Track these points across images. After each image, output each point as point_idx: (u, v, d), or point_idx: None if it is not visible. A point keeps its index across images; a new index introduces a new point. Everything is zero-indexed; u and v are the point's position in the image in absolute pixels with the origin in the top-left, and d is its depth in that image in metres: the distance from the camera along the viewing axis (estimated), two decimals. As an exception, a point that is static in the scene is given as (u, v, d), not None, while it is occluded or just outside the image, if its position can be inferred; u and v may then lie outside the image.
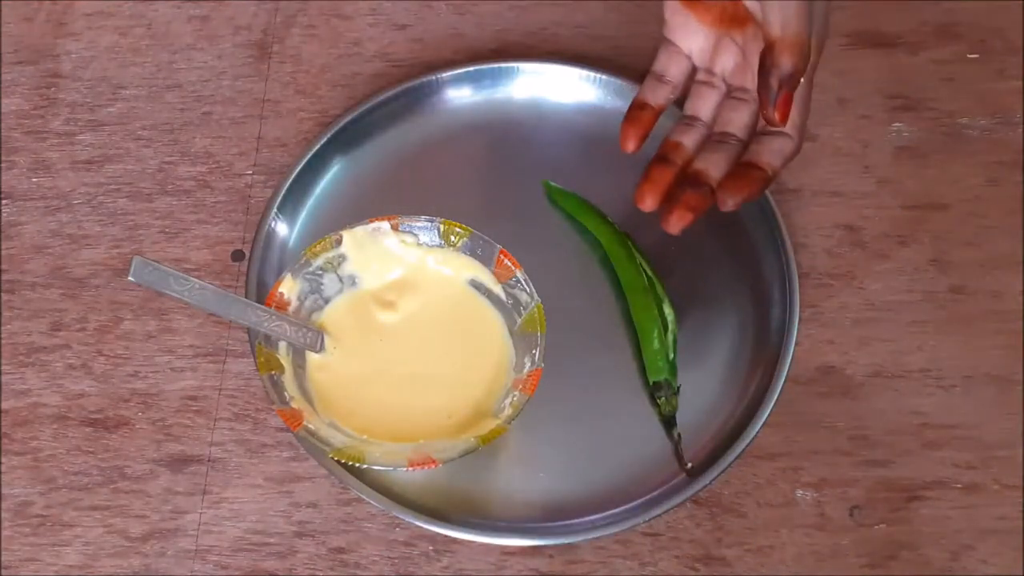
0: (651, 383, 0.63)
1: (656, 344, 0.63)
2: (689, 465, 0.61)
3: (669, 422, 0.63)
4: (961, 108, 0.73)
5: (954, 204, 0.70)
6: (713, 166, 0.58)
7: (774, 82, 0.54)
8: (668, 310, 0.64)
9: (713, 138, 0.59)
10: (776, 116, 0.54)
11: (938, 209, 0.70)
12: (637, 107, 0.61)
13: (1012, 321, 0.66)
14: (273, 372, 0.57)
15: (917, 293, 0.67)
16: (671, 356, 0.64)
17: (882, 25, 0.76)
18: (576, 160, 0.70)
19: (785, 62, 0.53)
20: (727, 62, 0.60)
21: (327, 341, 0.60)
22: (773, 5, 0.54)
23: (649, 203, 0.58)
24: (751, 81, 0.58)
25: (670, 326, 0.64)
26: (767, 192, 0.67)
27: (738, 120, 0.59)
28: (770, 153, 0.57)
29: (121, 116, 0.74)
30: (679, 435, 0.62)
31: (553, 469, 0.62)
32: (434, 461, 0.54)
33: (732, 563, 0.60)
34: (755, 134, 0.59)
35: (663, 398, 0.62)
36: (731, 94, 0.60)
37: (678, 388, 0.63)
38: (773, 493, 0.62)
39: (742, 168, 0.57)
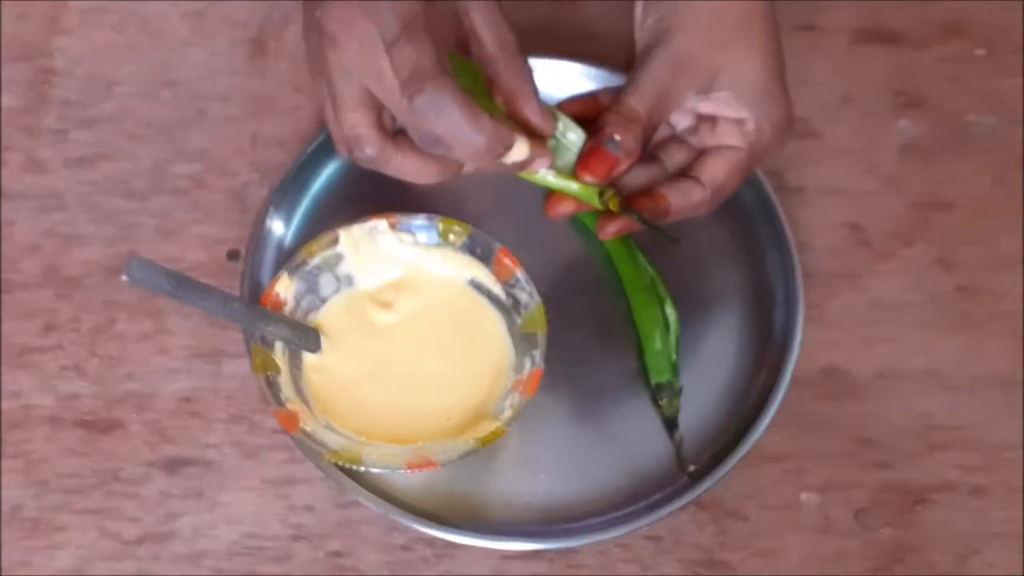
0: (653, 384, 0.63)
1: (658, 345, 0.63)
2: (691, 468, 0.61)
3: (671, 424, 0.62)
4: (967, 106, 0.73)
5: (960, 203, 0.70)
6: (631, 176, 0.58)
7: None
8: (670, 310, 0.64)
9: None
10: (577, 166, 0.55)
11: (943, 208, 0.70)
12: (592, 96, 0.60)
13: (1017, 321, 0.66)
14: (269, 373, 0.57)
15: (922, 293, 0.67)
16: (673, 357, 0.63)
17: (887, 22, 0.76)
18: (576, 159, 0.70)
19: (602, 125, 0.54)
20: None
21: (324, 342, 0.59)
22: (640, 75, 0.56)
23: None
24: (707, 142, 0.59)
25: (672, 326, 0.64)
26: (770, 191, 0.67)
27: (675, 155, 0.59)
28: (675, 191, 0.57)
29: (115, 114, 0.73)
30: (681, 437, 0.62)
31: (553, 471, 0.62)
32: (433, 463, 0.54)
33: (735, 567, 0.60)
34: (674, 175, 0.59)
35: (665, 399, 0.62)
36: (682, 137, 0.60)
37: (680, 389, 0.63)
38: (777, 496, 0.61)
39: (644, 192, 0.57)
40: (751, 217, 0.67)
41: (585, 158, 0.55)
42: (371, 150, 0.51)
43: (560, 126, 0.56)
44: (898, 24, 0.76)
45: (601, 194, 0.56)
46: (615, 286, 0.66)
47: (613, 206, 0.56)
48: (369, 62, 0.48)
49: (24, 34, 0.76)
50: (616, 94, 0.57)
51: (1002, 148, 0.71)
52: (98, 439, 0.63)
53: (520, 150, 0.52)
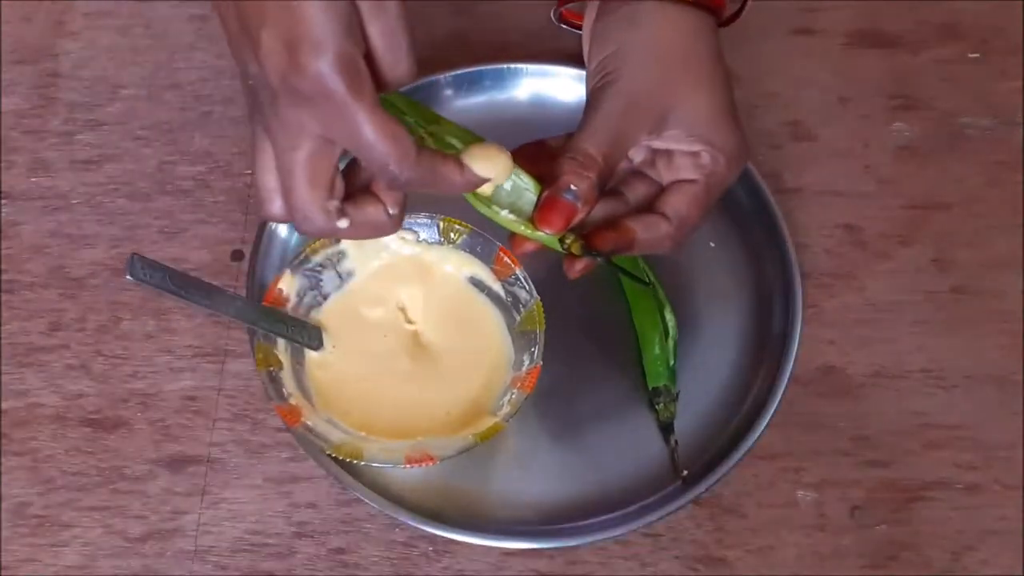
0: (650, 389, 0.63)
1: (656, 349, 0.63)
2: (685, 473, 0.61)
3: (667, 428, 0.62)
4: (962, 108, 0.73)
5: (955, 204, 0.70)
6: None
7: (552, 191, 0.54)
8: (669, 315, 0.64)
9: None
10: (535, 216, 0.54)
11: (939, 209, 0.70)
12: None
13: (1013, 321, 0.66)
14: (271, 368, 0.57)
15: (918, 293, 0.67)
16: (671, 362, 0.63)
17: (883, 24, 0.76)
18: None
19: (558, 174, 0.53)
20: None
21: (326, 338, 0.60)
22: (592, 119, 0.55)
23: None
24: (664, 176, 0.58)
25: (671, 331, 0.64)
26: (768, 193, 0.67)
27: (636, 188, 0.58)
28: (640, 223, 0.56)
29: (120, 116, 0.74)
30: (676, 442, 0.62)
31: (552, 471, 0.62)
32: (432, 458, 0.54)
33: (733, 564, 0.60)
34: (641, 209, 0.58)
35: (662, 404, 0.62)
36: (641, 169, 0.59)
37: (677, 394, 0.63)
38: (774, 494, 0.62)
39: (609, 224, 0.56)
40: (749, 218, 0.68)
41: (542, 210, 0.53)
42: (316, 228, 0.47)
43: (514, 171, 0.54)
44: (893, 27, 0.76)
45: (562, 240, 0.54)
46: (615, 289, 0.66)
47: (575, 251, 0.54)
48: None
49: (30, 36, 0.77)
50: (567, 138, 0.57)
51: (997, 149, 0.72)
52: (103, 437, 0.64)
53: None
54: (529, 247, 0.56)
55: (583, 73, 0.71)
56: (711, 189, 0.57)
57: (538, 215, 0.54)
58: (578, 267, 0.57)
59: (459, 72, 0.72)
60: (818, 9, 0.77)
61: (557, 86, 0.72)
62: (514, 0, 0.78)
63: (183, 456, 0.63)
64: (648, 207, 0.57)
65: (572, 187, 0.53)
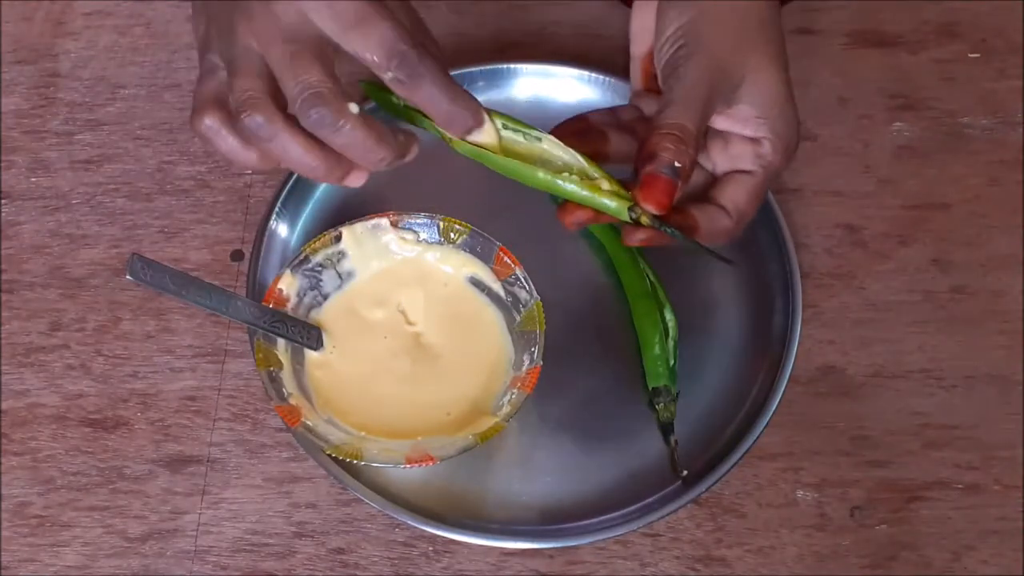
0: (650, 389, 0.63)
1: (657, 350, 0.63)
2: (684, 473, 0.61)
3: (667, 428, 0.62)
4: (962, 108, 0.73)
5: (955, 204, 0.70)
6: None
7: (641, 166, 0.52)
8: (669, 315, 0.64)
9: None
10: (639, 195, 0.52)
11: (939, 209, 0.70)
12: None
13: (1013, 321, 0.66)
14: (271, 368, 0.57)
15: (918, 293, 0.67)
16: (671, 362, 0.63)
17: (883, 24, 0.76)
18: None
19: (659, 150, 0.52)
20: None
21: (325, 339, 0.60)
22: (682, 90, 0.53)
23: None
24: (719, 164, 0.57)
25: (671, 331, 0.64)
26: (769, 192, 0.67)
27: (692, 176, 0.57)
28: (703, 213, 0.55)
29: (120, 116, 0.74)
30: (676, 442, 0.62)
31: (552, 472, 0.62)
32: (432, 458, 0.54)
33: (732, 563, 0.60)
34: (699, 200, 0.57)
35: (661, 404, 0.62)
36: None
37: (677, 394, 0.63)
38: (774, 493, 0.62)
39: (675, 207, 0.54)
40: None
41: (646, 188, 0.52)
42: (261, 117, 0.48)
43: (546, 145, 0.54)
44: (893, 27, 0.76)
45: (631, 209, 0.53)
46: (616, 290, 0.66)
47: (646, 222, 0.53)
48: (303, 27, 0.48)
49: (30, 36, 0.77)
50: (609, 113, 0.57)
51: (997, 149, 0.72)
52: (103, 437, 0.64)
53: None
54: (582, 216, 0.54)
55: (583, 73, 0.72)
56: (767, 182, 0.56)
57: (643, 193, 0.52)
58: (640, 236, 0.54)
59: (458, 72, 0.71)
60: (818, 9, 0.77)
61: (556, 86, 0.72)
62: (514, 0, 0.78)
63: (183, 456, 0.63)
64: (703, 197, 0.56)
65: (676, 164, 0.52)
